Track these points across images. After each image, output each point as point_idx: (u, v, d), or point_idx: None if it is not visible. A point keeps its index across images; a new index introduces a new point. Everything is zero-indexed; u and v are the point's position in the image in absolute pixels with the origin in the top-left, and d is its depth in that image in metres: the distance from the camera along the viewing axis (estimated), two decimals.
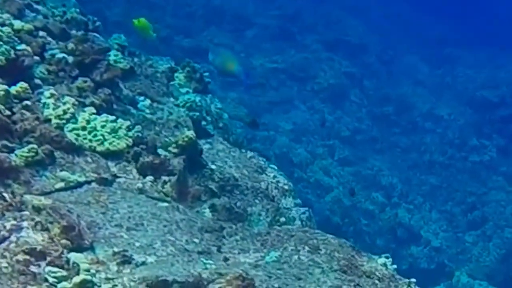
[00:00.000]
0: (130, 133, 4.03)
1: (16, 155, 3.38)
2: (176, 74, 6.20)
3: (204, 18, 13.78)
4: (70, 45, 4.73)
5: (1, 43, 4.16)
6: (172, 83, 6.03)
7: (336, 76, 15.25)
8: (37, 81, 4.36)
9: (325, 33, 16.92)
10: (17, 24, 4.52)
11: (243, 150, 5.40)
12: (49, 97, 3.80)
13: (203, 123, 5.65)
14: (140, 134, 4.09)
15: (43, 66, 4.49)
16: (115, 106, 4.72)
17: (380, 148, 14.94)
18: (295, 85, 14.50)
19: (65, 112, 3.73)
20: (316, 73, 15.04)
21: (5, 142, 3.42)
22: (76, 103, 3.92)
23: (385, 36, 18.86)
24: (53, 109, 3.75)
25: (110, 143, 3.81)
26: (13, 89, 3.72)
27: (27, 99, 3.77)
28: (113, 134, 3.86)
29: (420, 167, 14.91)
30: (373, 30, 18.59)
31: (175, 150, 4.53)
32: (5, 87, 3.63)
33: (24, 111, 3.65)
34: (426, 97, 16.67)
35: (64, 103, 3.78)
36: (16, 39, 4.30)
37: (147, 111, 5.09)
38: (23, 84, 3.80)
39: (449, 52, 19.23)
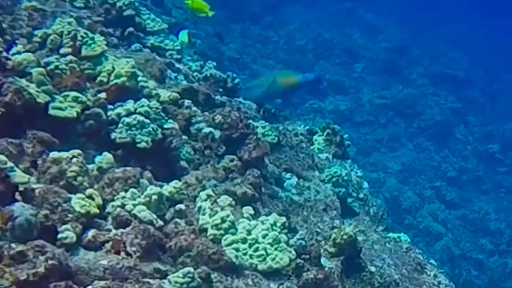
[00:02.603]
0: (292, 241, 3.18)
1: (169, 281, 2.58)
2: (315, 137, 5.34)
3: (314, 52, 12.93)
4: (218, 117, 3.94)
5: (148, 121, 3.42)
6: (311, 147, 5.18)
7: (442, 112, 14.16)
8: (183, 163, 3.60)
9: (431, 67, 15.81)
10: (164, 94, 3.77)
11: (397, 239, 4.47)
12: (205, 200, 3.00)
13: (349, 200, 4.76)
14: (303, 242, 3.23)
15: (188, 144, 3.73)
16: (263, 189, 3.91)
17: (486, 188, 13.71)
18: (402, 122, 13.45)
19: (223, 220, 2.91)
20: (423, 109, 13.98)
21: (157, 264, 2.64)
22: (233, 203, 3.11)
23: (489, 68, 17.53)
24: (210, 215, 2.94)
25: (272, 259, 2.96)
26: (166, 191, 2.94)
27: (180, 201, 2.99)
28: (275, 246, 3.01)
29: None
30: (476, 63, 17.31)
31: (332, 250, 3.66)
32: (158, 189, 2.85)
33: (178, 220, 2.86)
34: None
35: (222, 208, 2.97)
36: (163, 115, 3.55)
37: (294, 191, 4.24)
38: (176, 184, 3.02)
39: None
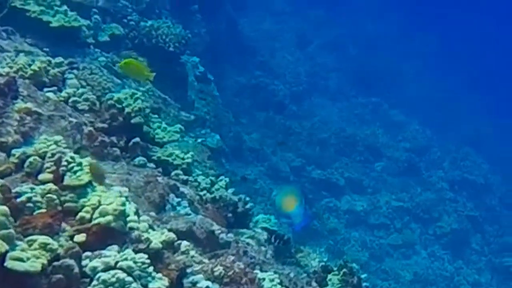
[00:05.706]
0: None
1: None
2: (330, 276, 4.52)
3: (336, 147, 12.22)
4: (219, 269, 3.17)
5: (131, 279, 2.64)
6: None
7: (459, 220, 13.33)
8: None
9: (451, 170, 15.04)
10: (156, 239, 3.01)
11: None
12: None
13: None
14: None
15: None
16: None
17: None
18: (418, 227, 12.58)
19: None
20: (440, 216, 13.17)
21: None
22: None
23: (508, 175, 16.65)
24: None
25: None
26: None
27: None
28: None
29: None
30: (497, 167, 16.46)
31: None
32: None
33: None
34: None
35: None
36: (150, 271, 2.78)
37: None
38: None
39: None
